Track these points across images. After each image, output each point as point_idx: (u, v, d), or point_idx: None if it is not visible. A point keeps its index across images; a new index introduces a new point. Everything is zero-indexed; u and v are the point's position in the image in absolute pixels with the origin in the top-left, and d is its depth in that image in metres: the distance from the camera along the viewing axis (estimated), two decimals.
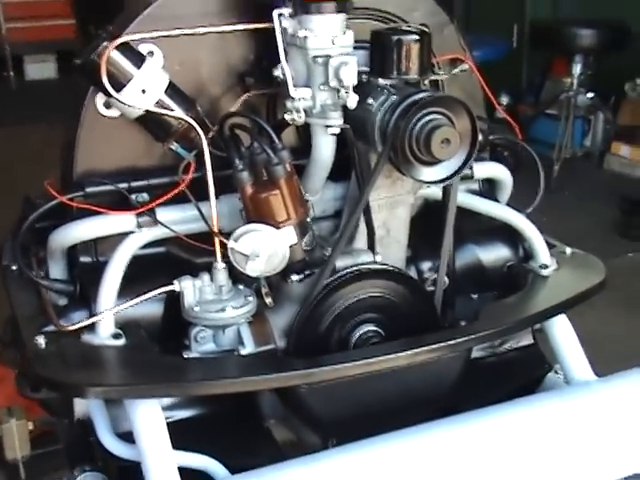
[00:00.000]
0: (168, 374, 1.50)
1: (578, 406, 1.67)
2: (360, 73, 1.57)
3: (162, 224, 1.63)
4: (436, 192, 1.80)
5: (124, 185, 1.65)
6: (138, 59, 1.56)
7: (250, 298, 1.61)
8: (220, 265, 1.59)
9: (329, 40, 1.54)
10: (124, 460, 1.58)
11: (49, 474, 2.21)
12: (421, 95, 1.52)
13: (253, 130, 1.60)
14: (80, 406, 1.68)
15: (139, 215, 1.62)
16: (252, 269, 1.53)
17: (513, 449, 1.59)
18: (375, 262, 1.67)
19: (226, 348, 1.61)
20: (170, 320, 1.67)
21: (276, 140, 1.57)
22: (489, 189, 1.98)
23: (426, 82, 1.66)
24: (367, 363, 1.53)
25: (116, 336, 1.56)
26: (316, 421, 1.62)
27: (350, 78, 1.52)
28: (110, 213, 1.61)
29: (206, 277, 1.59)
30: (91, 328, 1.56)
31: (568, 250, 1.93)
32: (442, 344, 1.57)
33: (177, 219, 1.65)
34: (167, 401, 1.65)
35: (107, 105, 1.62)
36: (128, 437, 1.59)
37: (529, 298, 1.77)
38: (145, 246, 1.66)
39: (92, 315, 1.58)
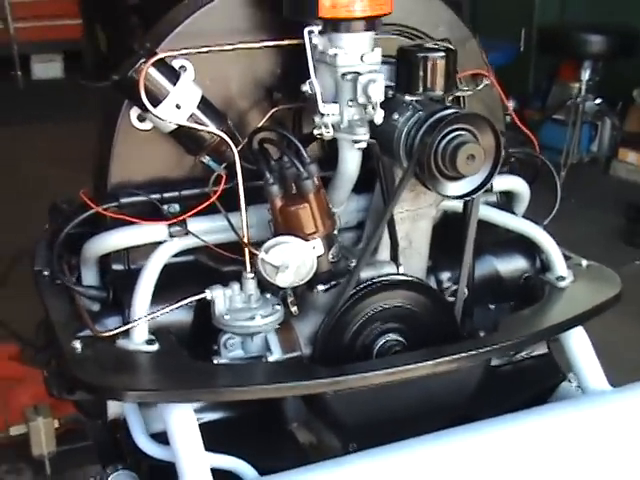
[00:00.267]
0: (201, 380, 1.56)
1: (594, 415, 1.72)
2: (386, 89, 1.62)
3: (193, 234, 1.68)
4: (456, 204, 1.85)
5: (156, 196, 1.70)
6: (173, 75, 1.61)
7: (278, 307, 1.66)
8: (249, 275, 1.64)
9: (358, 57, 1.59)
10: (156, 460, 1.63)
11: (74, 470, 2.27)
12: (447, 112, 1.57)
13: (282, 144, 1.65)
14: (113, 407, 1.74)
15: (171, 225, 1.67)
16: (282, 280, 1.58)
17: (530, 457, 1.64)
18: (398, 273, 1.72)
19: (254, 355, 1.67)
20: (199, 327, 1.72)
21: (305, 154, 1.62)
22: (506, 201, 2.03)
23: (450, 99, 1.71)
24: (391, 372, 1.58)
25: (150, 342, 1.61)
26: (340, 426, 1.68)
27: (378, 95, 1.57)
28: (143, 223, 1.66)
29: (236, 286, 1.65)
30: (125, 334, 1.62)
31: (584, 262, 1.98)
32: (463, 354, 1.63)
33: (207, 229, 1.70)
34: (195, 404, 1.70)
35: (141, 118, 1.68)
36: (160, 437, 1.66)
37: (547, 310, 1.82)
38: (176, 255, 1.71)
39: (125, 321, 1.63)
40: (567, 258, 1.96)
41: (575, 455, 1.66)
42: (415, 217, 1.76)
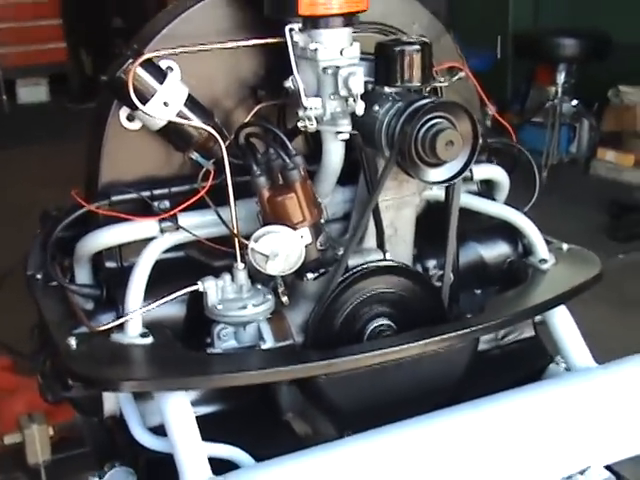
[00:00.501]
0: (195, 368, 1.60)
1: (581, 391, 1.77)
2: (366, 83, 1.67)
3: (184, 229, 1.72)
4: (438, 194, 1.91)
5: (147, 193, 1.75)
6: (160, 75, 1.66)
7: (269, 296, 1.71)
8: (240, 265, 1.69)
9: (337, 52, 1.64)
10: (153, 453, 1.67)
11: (70, 478, 2.29)
12: (425, 101, 1.63)
13: (268, 138, 1.71)
14: (109, 404, 1.77)
15: (162, 221, 1.72)
16: (272, 268, 1.63)
17: (519, 434, 1.68)
18: (385, 259, 1.77)
19: (247, 344, 1.71)
20: (192, 321, 1.76)
21: (290, 146, 1.67)
22: (487, 190, 2.09)
23: (428, 90, 1.76)
24: (382, 353, 1.63)
25: (144, 335, 1.65)
26: (333, 410, 1.72)
27: (358, 87, 1.62)
28: (135, 219, 1.71)
29: (227, 277, 1.69)
30: (120, 328, 1.66)
31: (565, 246, 2.03)
32: (452, 334, 1.68)
33: (197, 224, 1.74)
34: (191, 397, 1.74)
35: (130, 118, 1.72)
36: (156, 431, 1.69)
37: (531, 291, 1.88)
38: (167, 251, 1.75)
39: (119, 316, 1.67)
40: (549, 243, 2.02)
41: (564, 430, 1.71)
42: (399, 205, 1.81)
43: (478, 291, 1.98)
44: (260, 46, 1.79)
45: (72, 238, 1.81)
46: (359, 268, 1.73)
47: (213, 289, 1.68)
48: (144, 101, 1.63)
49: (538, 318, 2.06)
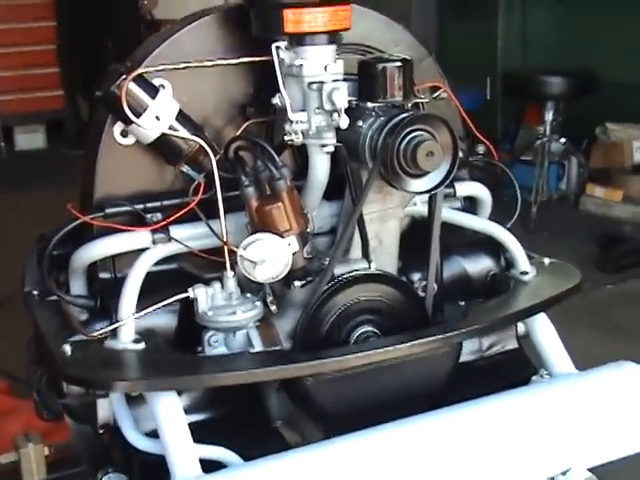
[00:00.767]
0: (186, 368, 1.65)
1: (561, 396, 1.81)
2: (350, 101, 1.75)
3: (175, 240, 1.79)
4: (422, 210, 1.98)
5: (140, 206, 1.82)
6: (152, 90, 1.74)
7: (257, 303, 1.76)
8: (230, 273, 1.75)
9: (322, 68, 1.73)
10: (146, 456, 1.71)
11: None
12: (405, 115, 1.70)
13: (256, 151, 1.78)
14: (103, 412, 1.81)
15: (154, 232, 1.78)
16: (260, 274, 1.69)
17: (502, 437, 1.73)
18: (370, 268, 1.83)
19: (236, 351, 1.76)
20: (182, 331, 1.82)
21: (277, 159, 1.74)
22: (470, 206, 2.16)
23: (409, 106, 1.84)
24: (367, 355, 1.68)
25: (137, 341, 1.70)
26: (320, 412, 1.76)
27: (342, 101, 1.70)
28: (128, 230, 1.77)
29: (217, 285, 1.75)
30: (113, 335, 1.71)
31: (547, 260, 2.10)
32: (435, 337, 1.73)
33: (189, 236, 1.81)
34: (183, 403, 1.78)
35: (124, 134, 1.80)
36: (149, 436, 1.73)
37: (512, 299, 1.94)
38: (160, 263, 1.81)
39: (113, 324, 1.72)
40: (531, 257, 2.08)
41: (545, 433, 1.75)
42: (384, 217, 1.88)
43: (462, 303, 2.04)
44: (248, 65, 1.87)
45: (67, 255, 1.87)
46: (345, 276, 1.78)
47: (203, 296, 1.74)
48: (137, 115, 1.71)
49: (522, 331, 2.12)
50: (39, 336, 1.86)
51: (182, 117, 1.78)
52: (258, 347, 1.74)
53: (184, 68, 1.80)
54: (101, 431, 1.84)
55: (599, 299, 3.95)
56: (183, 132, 1.76)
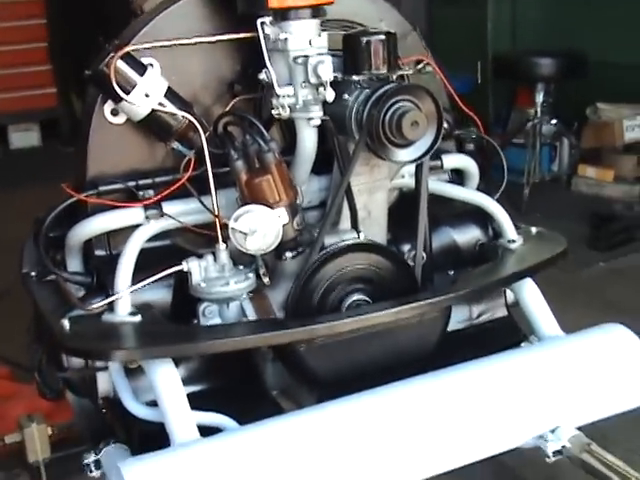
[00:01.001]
0: (182, 337, 1.69)
1: (549, 357, 1.86)
2: (335, 75, 1.79)
3: (168, 215, 1.82)
4: (410, 182, 2.02)
5: (132, 183, 1.85)
6: (140, 68, 1.78)
7: (250, 275, 1.80)
8: (222, 246, 1.78)
9: (307, 42, 1.76)
10: (145, 425, 1.75)
11: (69, 476, 2.35)
12: (390, 86, 1.74)
13: (244, 125, 1.81)
14: (103, 385, 1.85)
15: (147, 208, 1.82)
16: (251, 245, 1.72)
17: (494, 397, 1.77)
18: (359, 238, 1.87)
19: (231, 322, 1.80)
20: (178, 305, 1.86)
21: (265, 132, 1.78)
22: (458, 179, 2.20)
23: (394, 78, 1.87)
24: (358, 320, 1.72)
25: (133, 314, 1.74)
26: (313, 378, 1.80)
27: (327, 74, 1.74)
28: (121, 206, 1.81)
29: (210, 258, 1.79)
30: (110, 310, 1.75)
31: (533, 229, 2.14)
32: (424, 302, 1.77)
33: (181, 211, 1.85)
34: (181, 374, 1.82)
35: (114, 113, 1.84)
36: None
37: (499, 266, 1.98)
38: (154, 240, 1.85)
39: None
40: (518, 227, 2.12)
41: (534, 393, 1.79)
42: (372, 189, 1.91)
43: (451, 272, 2.07)
44: (235, 43, 1.91)
45: (63, 236, 1.91)
46: (334, 246, 1.82)
47: (197, 268, 1.78)
48: (126, 92, 1.75)
49: (511, 300, 2.16)
50: (38, 315, 1.90)
51: (171, 94, 1.81)
52: (252, 317, 1.78)
53: (170, 46, 1.83)
54: (101, 404, 1.87)
55: (591, 277, 3.98)
56: (172, 109, 1.80)
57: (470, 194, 2.12)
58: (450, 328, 2.00)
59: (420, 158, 1.78)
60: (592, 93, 5.10)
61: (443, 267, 2.05)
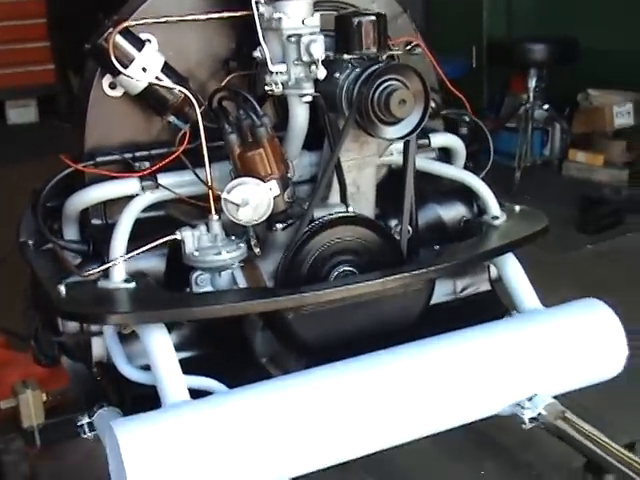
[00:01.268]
0: (174, 302, 1.76)
1: (528, 328, 1.94)
2: (327, 55, 1.85)
3: (163, 186, 1.89)
4: (399, 159, 2.08)
5: (129, 155, 1.91)
6: (138, 43, 1.84)
7: (241, 245, 1.87)
8: (215, 216, 1.85)
9: (300, 21, 1.82)
10: (137, 389, 1.82)
11: (63, 440, 2.41)
12: (379, 65, 1.80)
13: (238, 100, 1.88)
14: (97, 349, 1.92)
15: (142, 179, 1.88)
16: (243, 215, 1.79)
17: (474, 365, 1.85)
18: (347, 212, 1.94)
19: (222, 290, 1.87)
20: (171, 275, 1.92)
21: (258, 108, 1.84)
22: (444, 157, 2.27)
23: (384, 58, 1.93)
24: (342, 289, 1.80)
25: (127, 280, 1.81)
26: (301, 345, 1.87)
27: (319, 52, 1.80)
28: (118, 177, 1.87)
29: (203, 227, 1.86)
30: (105, 276, 1.82)
31: (517, 207, 2.21)
32: (409, 274, 1.84)
33: (176, 183, 1.91)
34: (173, 340, 1.89)
35: (112, 86, 1.90)
36: None
37: (483, 241, 2.05)
38: (149, 211, 1.91)
39: None
40: (502, 205, 2.19)
41: (513, 362, 1.87)
42: (361, 165, 1.98)
43: (437, 247, 2.14)
44: (231, 21, 1.97)
45: (60, 206, 1.97)
46: (323, 218, 1.89)
47: (190, 238, 1.84)
48: (124, 66, 1.81)
49: (494, 275, 2.23)
50: (35, 282, 1.97)
51: (168, 69, 1.87)
52: (242, 286, 1.85)
53: (168, 22, 1.89)
54: (95, 368, 1.94)
55: (579, 259, 4.05)
56: (168, 83, 1.86)
57: (456, 172, 2.19)
58: (436, 300, 2.08)
59: (407, 135, 1.85)
60: (584, 79, 5.16)
61: (429, 242, 2.12)
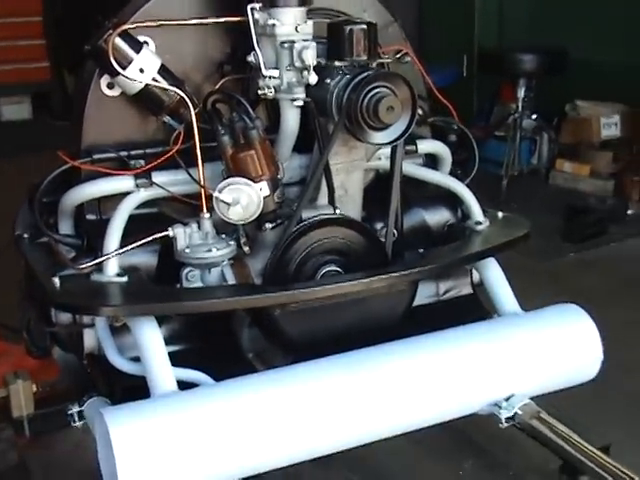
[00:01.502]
0: (164, 297, 1.82)
1: (506, 331, 2.00)
2: (319, 61, 1.91)
3: (156, 184, 1.95)
4: (386, 164, 2.14)
5: (124, 153, 1.97)
6: (137, 45, 1.90)
7: (231, 243, 1.93)
8: (206, 214, 1.91)
9: (293, 28, 1.89)
10: (127, 380, 1.87)
11: (52, 431, 2.46)
12: (368, 73, 1.87)
13: (232, 103, 1.94)
14: (89, 341, 1.98)
15: (137, 177, 1.94)
16: (233, 214, 1.85)
17: (454, 365, 1.91)
18: (335, 213, 2.00)
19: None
20: (162, 270, 1.98)
21: (251, 111, 1.91)
22: (431, 163, 2.33)
23: (374, 65, 2.00)
24: (328, 288, 1.86)
25: (120, 275, 1.87)
26: (287, 342, 1.93)
27: (311, 59, 1.86)
28: (113, 174, 1.93)
29: (194, 225, 1.92)
30: (99, 270, 1.87)
31: (500, 214, 2.28)
32: (393, 274, 1.91)
33: (169, 181, 1.97)
34: (164, 331, 1.94)
35: (110, 86, 1.96)
36: None
37: (466, 245, 2.12)
38: (142, 208, 1.97)
39: None
40: (486, 211, 2.26)
41: (491, 363, 1.93)
42: (349, 169, 2.04)
43: (421, 250, 2.20)
44: (226, 26, 2.03)
45: (56, 201, 2.03)
46: (311, 219, 1.95)
47: (182, 235, 1.90)
48: (122, 67, 1.87)
49: (476, 279, 2.30)
50: (29, 274, 2.02)
51: (164, 71, 1.94)
52: (231, 282, 1.91)
53: (166, 26, 1.95)
54: (86, 360, 2.00)
55: (562, 266, 4.13)
56: (165, 84, 1.92)
57: (441, 178, 2.25)
58: (419, 302, 2.15)
59: (395, 141, 1.91)
60: (572, 90, 5.25)
61: (414, 245, 2.18)
